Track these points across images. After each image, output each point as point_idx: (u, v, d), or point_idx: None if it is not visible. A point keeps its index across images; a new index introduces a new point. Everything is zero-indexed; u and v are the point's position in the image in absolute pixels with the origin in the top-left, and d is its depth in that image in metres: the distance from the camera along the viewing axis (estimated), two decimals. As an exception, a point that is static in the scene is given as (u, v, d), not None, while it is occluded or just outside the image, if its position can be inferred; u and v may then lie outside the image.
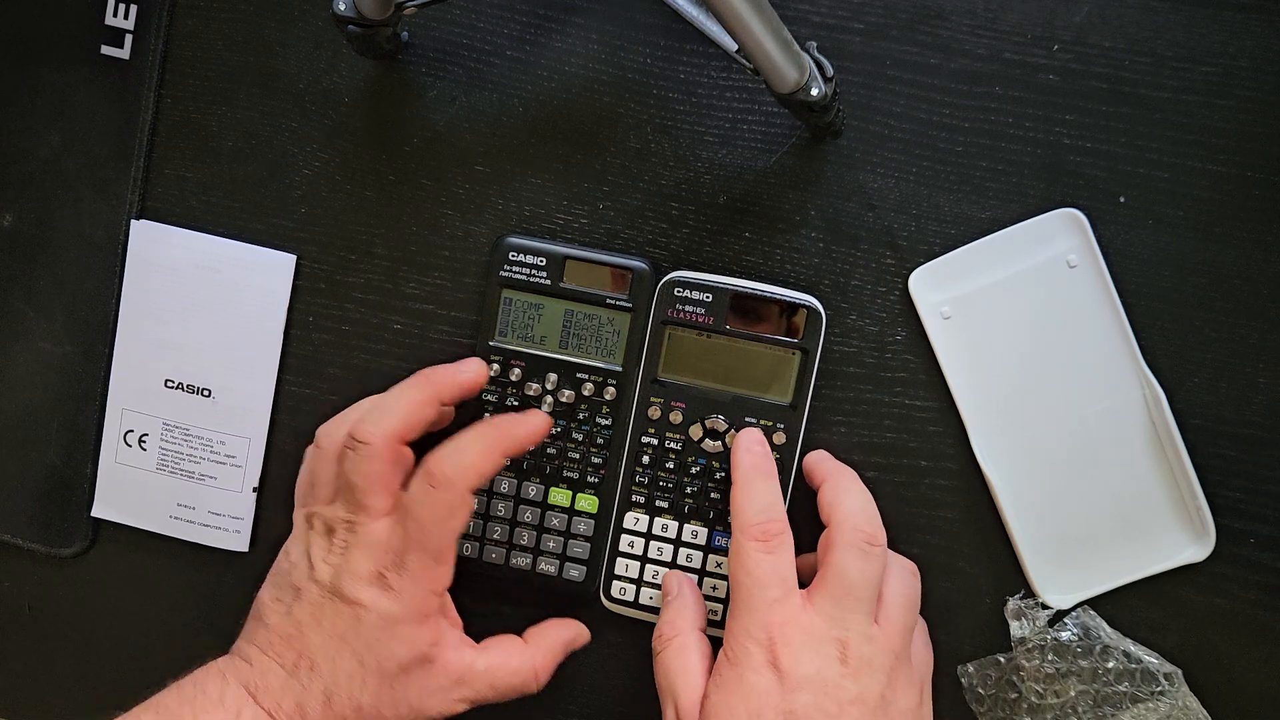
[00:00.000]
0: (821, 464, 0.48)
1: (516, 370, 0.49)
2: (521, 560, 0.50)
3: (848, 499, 0.45)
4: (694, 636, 0.45)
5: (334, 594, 0.43)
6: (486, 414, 0.49)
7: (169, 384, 0.53)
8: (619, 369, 0.49)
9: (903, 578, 0.45)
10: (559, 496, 0.50)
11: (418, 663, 0.43)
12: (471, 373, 0.47)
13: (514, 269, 0.49)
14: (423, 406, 0.46)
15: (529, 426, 0.46)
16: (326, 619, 0.43)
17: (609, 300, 0.49)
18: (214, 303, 0.52)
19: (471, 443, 0.45)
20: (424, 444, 0.46)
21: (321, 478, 0.46)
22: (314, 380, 0.52)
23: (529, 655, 0.46)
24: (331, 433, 0.47)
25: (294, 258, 0.52)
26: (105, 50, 0.51)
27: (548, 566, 0.50)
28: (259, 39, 0.51)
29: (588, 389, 0.49)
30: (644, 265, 0.49)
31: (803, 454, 0.49)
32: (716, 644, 0.44)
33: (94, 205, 0.52)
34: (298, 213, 0.52)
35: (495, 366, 0.49)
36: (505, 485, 0.50)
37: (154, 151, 0.52)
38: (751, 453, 0.47)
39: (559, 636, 0.48)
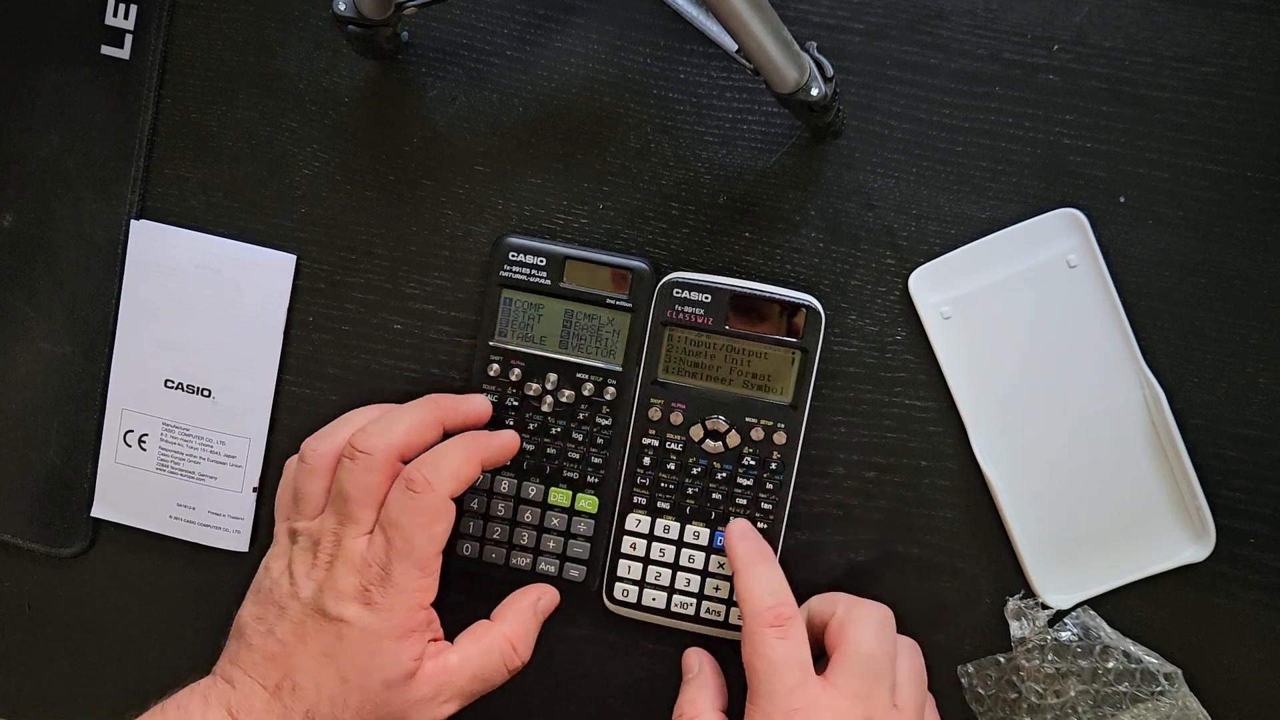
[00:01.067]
0: (825, 606, 0.47)
1: (516, 370, 0.49)
2: (521, 560, 0.50)
3: (857, 608, 0.45)
4: (713, 717, 0.45)
5: (317, 611, 0.43)
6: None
7: (169, 384, 0.53)
8: (619, 369, 0.49)
9: (909, 654, 0.46)
10: (559, 496, 0.50)
11: (401, 679, 0.42)
12: (477, 408, 0.48)
13: (514, 269, 0.49)
14: (426, 428, 0.45)
15: (503, 441, 0.47)
16: (310, 637, 0.42)
17: (609, 300, 0.49)
18: (214, 303, 0.52)
19: (450, 449, 0.45)
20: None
21: (306, 491, 0.45)
22: (314, 380, 0.52)
23: (497, 629, 0.46)
24: (318, 447, 0.46)
25: (294, 258, 0.52)
26: (105, 50, 0.51)
27: (547, 566, 0.50)
28: (259, 39, 0.51)
29: (588, 389, 0.49)
30: (644, 265, 0.49)
31: (804, 454, 0.49)
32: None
33: (94, 205, 0.52)
34: (298, 213, 0.52)
35: (495, 366, 0.49)
36: (505, 485, 0.50)
37: (154, 151, 0.52)
38: (746, 539, 0.47)
39: (523, 602, 0.47)
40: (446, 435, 0.47)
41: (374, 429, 0.45)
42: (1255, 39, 0.47)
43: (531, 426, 0.49)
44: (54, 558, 0.54)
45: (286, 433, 0.53)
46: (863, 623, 0.44)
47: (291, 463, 0.47)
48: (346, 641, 0.42)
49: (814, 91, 0.43)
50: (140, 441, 0.53)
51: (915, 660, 0.46)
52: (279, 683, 0.42)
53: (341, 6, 0.44)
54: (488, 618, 0.47)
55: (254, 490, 0.53)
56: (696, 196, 0.50)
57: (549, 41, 0.50)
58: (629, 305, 0.49)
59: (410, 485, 0.43)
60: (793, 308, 0.48)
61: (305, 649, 0.42)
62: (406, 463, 0.45)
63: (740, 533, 0.47)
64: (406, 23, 0.50)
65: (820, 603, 0.47)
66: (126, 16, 0.51)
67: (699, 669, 0.47)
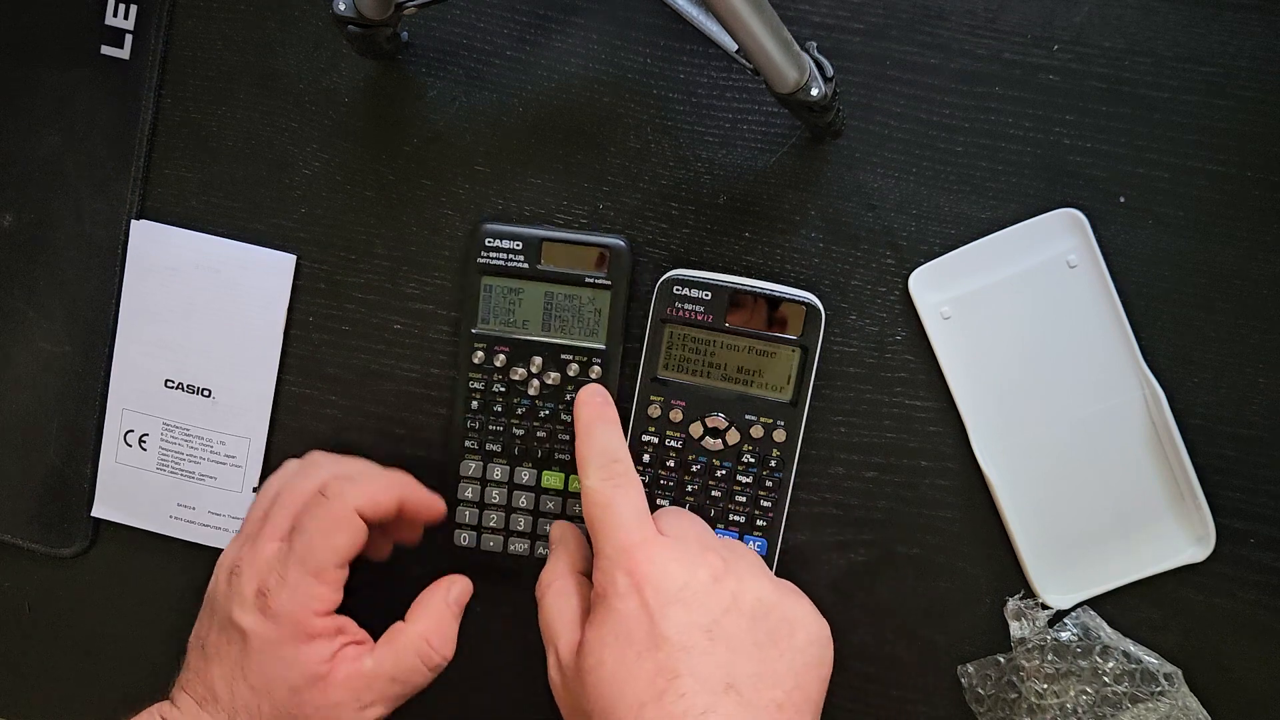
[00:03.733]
0: None
1: (501, 356, 0.49)
2: (519, 546, 0.50)
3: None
4: (573, 580, 0.44)
5: (227, 621, 0.43)
6: (474, 402, 0.49)
7: (169, 384, 0.53)
8: (602, 347, 0.49)
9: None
10: (552, 480, 0.50)
11: (309, 684, 0.42)
12: (437, 509, 0.48)
13: (491, 255, 0.49)
14: (392, 491, 0.46)
15: (431, 497, 0.48)
16: (223, 649, 0.43)
17: (588, 279, 0.49)
18: (214, 303, 0.52)
19: (374, 473, 0.46)
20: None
21: (254, 513, 0.46)
22: (314, 380, 0.52)
23: (411, 629, 0.45)
24: (296, 486, 0.46)
25: (294, 258, 0.52)
26: (105, 50, 0.51)
27: (545, 551, 0.50)
28: (259, 39, 0.51)
29: (573, 369, 0.49)
30: (621, 243, 0.49)
31: (804, 454, 0.49)
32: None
33: (94, 205, 0.52)
34: (298, 213, 0.52)
35: (480, 354, 0.49)
36: (498, 472, 0.50)
37: (154, 151, 0.52)
38: (590, 404, 0.45)
39: (435, 597, 0.47)
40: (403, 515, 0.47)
41: (347, 472, 0.46)
42: (1255, 39, 0.47)
43: (520, 411, 0.49)
44: (54, 558, 0.54)
45: (286, 433, 0.53)
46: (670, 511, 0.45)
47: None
48: (250, 650, 0.43)
49: (814, 91, 0.43)
50: (140, 441, 0.53)
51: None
52: (203, 696, 0.43)
53: (341, 6, 0.44)
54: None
55: (254, 490, 0.53)
56: (696, 196, 0.50)
57: (549, 41, 0.50)
58: (608, 283, 0.49)
59: (323, 490, 0.44)
60: (793, 305, 0.48)
61: (220, 660, 0.43)
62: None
63: (586, 397, 0.46)
64: (406, 23, 0.50)
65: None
66: (126, 16, 0.51)
67: (560, 537, 0.47)
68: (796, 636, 0.41)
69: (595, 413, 0.45)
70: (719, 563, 0.41)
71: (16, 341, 0.53)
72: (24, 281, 0.53)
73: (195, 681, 0.44)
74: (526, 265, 0.49)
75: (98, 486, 0.53)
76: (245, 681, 0.42)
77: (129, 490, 0.53)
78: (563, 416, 0.49)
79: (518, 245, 0.49)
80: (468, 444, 0.50)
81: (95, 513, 0.54)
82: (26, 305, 0.53)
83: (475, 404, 0.50)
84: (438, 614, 0.46)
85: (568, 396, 0.49)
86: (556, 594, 0.44)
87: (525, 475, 0.50)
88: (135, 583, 0.54)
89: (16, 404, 0.53)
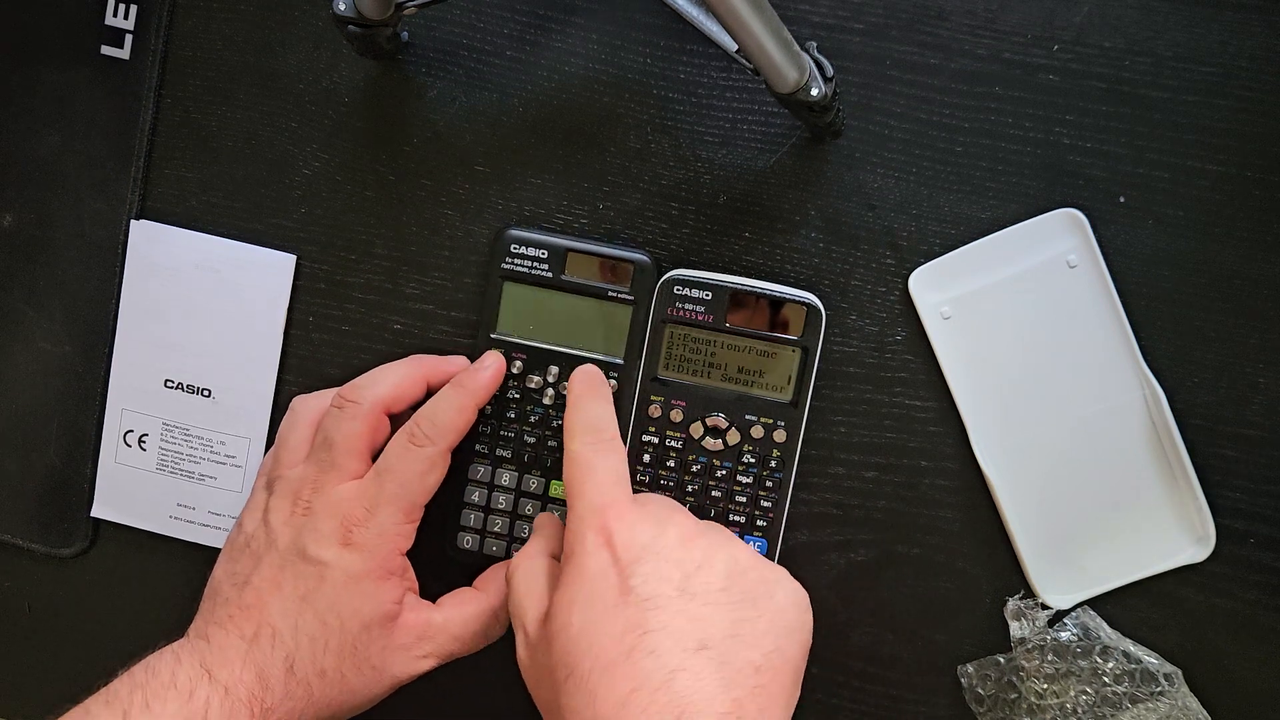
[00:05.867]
0: None
1: (518, 362, 0.49)
2: None
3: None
4: (543, 560, 0.43)
5: (296, 556, 0.43)
6: (487, 407, 0.49)
7: (169, 384, 0.53)
8: (620, 362, 0.49)
9: None
10: (560, 490, 0.50)
11: (381, 621, 0.43)
12: (460, 368, 0.48)
13: (516, 261, 0.49)
14: (413, 383, 0.47)
15: (490, 373, 0.47)
16: (288, 582, 0.43)
17: (611, 293, 0.49)
18: (214, 303, 0.52)
19: (445, 404, 0.45)
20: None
21: (289, 441, 0.47)
22: (314, 380, 0.52)
23: (484, 599, 0.46)
24: (309, 402, 0.48)
25: (294, 258, 0.52)
26: (105, 50, 0.51)
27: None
28: (259, 39, 0.51)
29: None
30: (646, 258, 0.49)
31: (804, 454, 0.49)
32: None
33: (94, 205, 0.52)
34: (298, 213, 0.52)
35: None
36: (506, 478, 0.50)
37: (154, 151, 0.52)
38: (585, 380, 0.46)
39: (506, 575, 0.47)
40: (431, 391, 0.47)
41: (362, 382, 0.47)
42: (1255, 39, 0.47)
43: (533, 419, 0.49)
44: (54, 558, 0.54)
45: (286, 433, 0.53)
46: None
47: (285, 418, 0.49)
48: (326, 583, 0.42)
49: (814, 91, 0.43)
50: (140, 441, 0.53)
51: None
52: (256, 631, 0.42)
53: (341, 6, 0.44)
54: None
55: (254, 490, 0.53)
56: (696, 196, 0.50)
57: (549, 41, 0.50)
58: (630, 298, 0.49)
59: (413, 440, 0.44)
60: (792, 305, 0.48)
61: (282, 595, 0.43)
62: (392, 416, 0.46)
63: (581, 375, 0.46)
64: (406, 23, 0.50)
65: None
66: (126, 16, 0.51)
67: (540, 525, 0.46)
68: (775, 597, 0.40)
69: (588, 389, 0.46)
70: (690, 525, 0.41)
71: (16, 341, 0.53)
72: (24, 281, 0.53)
73: (242, 618, 0.43)
74: (550, 274, 0.49)
75: (97, 486, 0.53)
76: (315, 616, 0.42)
77: (129, 490, 0.53)
78: None
79: (543, 254, 0.49)
80: (478, 448, 0.50)
81: (95, 513, 0.54)
82: (26, 305, 0.53)
83: (488, 409, 0.49)
84: (505, 592, 0.46)
85: None
86: (525, 572, 0.43)
87: (533, 483, 0.50)
88: (135, 583, 0.54)
89: (16, 404, 0.53)
